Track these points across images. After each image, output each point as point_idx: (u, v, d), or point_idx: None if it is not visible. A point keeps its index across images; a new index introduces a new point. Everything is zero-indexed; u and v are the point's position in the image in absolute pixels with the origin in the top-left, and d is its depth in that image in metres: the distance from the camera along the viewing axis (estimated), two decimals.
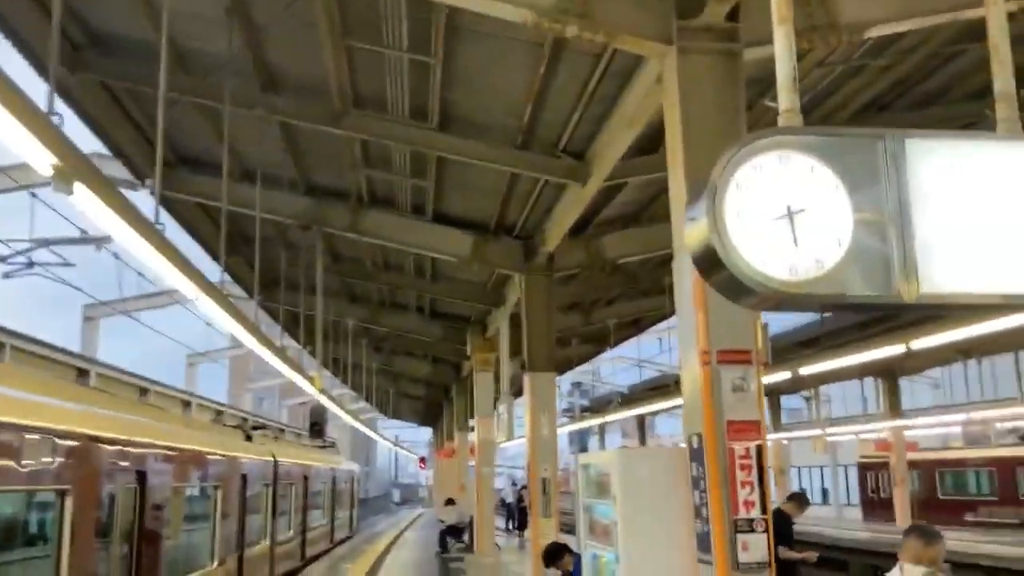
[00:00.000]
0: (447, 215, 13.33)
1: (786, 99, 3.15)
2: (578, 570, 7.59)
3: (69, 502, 6.64)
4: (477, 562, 19.25)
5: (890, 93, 9.51)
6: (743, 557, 5.12)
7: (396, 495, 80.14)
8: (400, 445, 73.21)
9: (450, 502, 23.72)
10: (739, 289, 2.88)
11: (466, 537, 21.94)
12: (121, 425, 8.32)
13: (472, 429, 24.67)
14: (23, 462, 5.96)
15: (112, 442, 7.76)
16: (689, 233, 2.96)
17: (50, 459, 6.39)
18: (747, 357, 5.42)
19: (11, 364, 9.52)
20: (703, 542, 5.39)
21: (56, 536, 6.59)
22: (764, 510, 5.22)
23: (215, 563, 11.81)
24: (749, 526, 5.15)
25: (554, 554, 8.37)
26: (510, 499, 30.64)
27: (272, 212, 12.56)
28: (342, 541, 27.34)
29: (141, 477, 8.59)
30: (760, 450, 5.30)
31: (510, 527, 28.92)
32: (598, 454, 11.92)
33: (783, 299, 2.89)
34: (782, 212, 2.87)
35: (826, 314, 18.98)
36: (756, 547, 5.13)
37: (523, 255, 13.44)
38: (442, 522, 23.39)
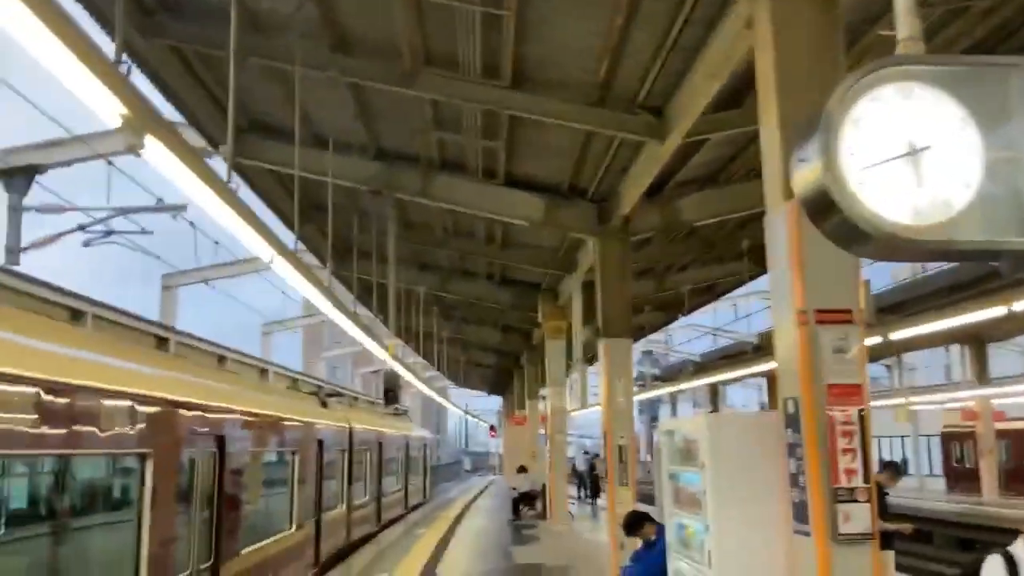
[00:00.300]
0: (519, 178, 13.09)
1: (906, 24, 2.83)
2: (661, 539, 7.37)
3: (150, 466, 6.67)
4: (550, 529, 19.21)
5: (991, 38, 8.91)
6: (844, 528, 4.82)
7: (467, 463, 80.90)
8: (470, 413, 73.66)
9: (522, 470, 23.73)
10: (855, 235, 2.58)
11: (539, 505, 21.92)
12: (200, 391, 8.36)
13: (543, 398, 24.58)
14: (106, 426, 5.98)
15: (192, 407, 7.80)
16: (798, 176, 2.67)
17: (132, 424, 6.41)
18: (848, 317, 5.08)
19: (93, 331, 9.64)
20: (800, 512, 5.10)
21: (137, 499, 6.64)
22: (867, 479, 4.91)
23: (293, 527, 11.92)
24: (850, 495, 4.85)
25: (636, 523, 8.16)
26: (582, 467, 30.59)
27: (343, 178, 12.48)
28: (415, 507, 27.61)
29: (220, 442, 8.63)
30: (864, 416, 4.98)
31: (582, 495, 28.88)
32: (683, 420, 11.63)
33: (903, 246, 2.57)
34: (904, 150, 2.56)
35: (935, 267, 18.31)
36: (858, 517, 4.82)
37: (597, 218, 13.13)
38: (514, 490, 23.41)
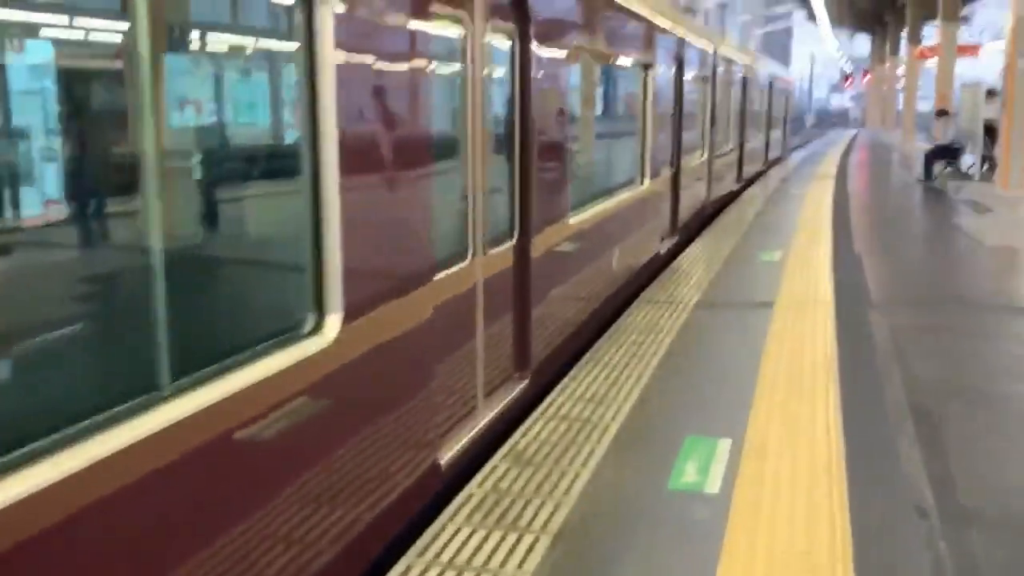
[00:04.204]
0: None
1: None
2: None
3: None
4: (1000, 195, 13.37)
5: None
6: None
7: (809, 120, 75.43)
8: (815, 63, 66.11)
9: (942, 114, 17.29)
10: None
11: (971, 162, 16.15)
12: None
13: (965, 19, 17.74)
14: None
15: None
16: None
17: None
18: None
19: None
20: None
21: None
22: None
23: (645, 181, 7.84)
24: None
25: None
26: None
27: None
28: (775, 162, 22.85)
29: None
30: None
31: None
32: None
33: None
34: None
35: None
36: None
37: None
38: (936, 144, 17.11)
